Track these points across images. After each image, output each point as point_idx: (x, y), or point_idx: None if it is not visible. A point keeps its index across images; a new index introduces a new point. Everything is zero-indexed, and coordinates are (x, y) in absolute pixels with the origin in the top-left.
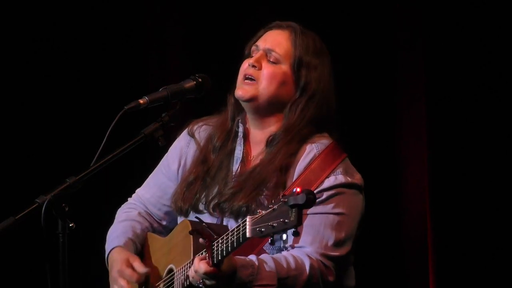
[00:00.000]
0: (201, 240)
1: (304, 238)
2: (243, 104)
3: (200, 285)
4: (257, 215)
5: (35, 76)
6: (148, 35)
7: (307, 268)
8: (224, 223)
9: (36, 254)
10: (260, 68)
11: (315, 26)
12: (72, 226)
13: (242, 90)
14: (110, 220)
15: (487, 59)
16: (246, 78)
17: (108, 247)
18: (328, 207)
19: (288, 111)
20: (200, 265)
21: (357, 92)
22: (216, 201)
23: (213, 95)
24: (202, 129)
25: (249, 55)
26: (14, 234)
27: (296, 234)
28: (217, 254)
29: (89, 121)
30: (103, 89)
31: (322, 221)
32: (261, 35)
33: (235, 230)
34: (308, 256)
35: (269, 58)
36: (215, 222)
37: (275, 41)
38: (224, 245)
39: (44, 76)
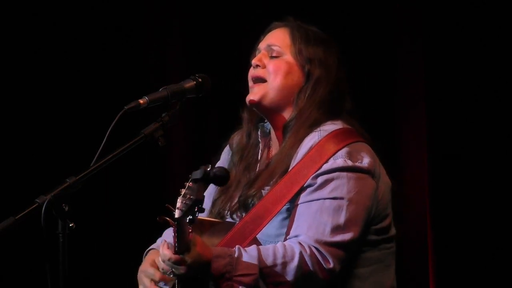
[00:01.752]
0: (172, 229)
1: (300, 226)
2: (257, 109)
3: (170, 275)
4: (181, 194)
5: (35, 76)
6: (148, 35)
7: (296, 256)
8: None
9: (36, 254)
10: (264, 66)
11: (315, 26)
12: (72, 226)
13: (251, 95)
14: (110, 220)
15: (487, 59)
16: (254, 81)
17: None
18: (324, 192)
19: (297, 99)
20: (164, 252)
21: (357, 92)
22: (235, 202)
23: (213, 95)
24: (237, 139)
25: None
26: (14, 234)
27: (202, 211)
28: (177, 241)
29: (89, 121)
30: (103, 89)
31: (318, 207)
32: (261, 40)
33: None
34: (300, 243)
35: (271, 54)
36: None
37: (273, 37)
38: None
39: (44, 76)
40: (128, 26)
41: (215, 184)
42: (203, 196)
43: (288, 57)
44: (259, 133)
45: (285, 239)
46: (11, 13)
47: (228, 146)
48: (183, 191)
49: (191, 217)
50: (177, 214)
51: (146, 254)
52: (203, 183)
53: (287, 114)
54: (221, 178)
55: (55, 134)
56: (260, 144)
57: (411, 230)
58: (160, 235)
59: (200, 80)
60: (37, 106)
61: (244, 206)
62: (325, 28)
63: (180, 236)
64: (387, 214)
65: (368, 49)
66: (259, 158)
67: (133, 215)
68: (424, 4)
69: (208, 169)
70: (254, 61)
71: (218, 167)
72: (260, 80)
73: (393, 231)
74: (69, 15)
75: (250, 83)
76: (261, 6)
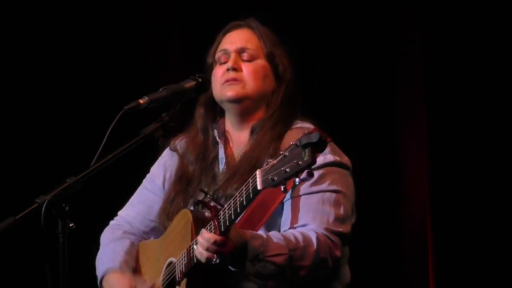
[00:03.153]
0: (207, 213)
1: (305, 216)
2: (230, 106)
3: (212, 261)
4: (267, 165)
5: (35, 76)
6: (148, 35)
7: (314, 241)
8: None
9: (36, 254)
10: (240, 70)
11: (315, 26)
12: (72, 226)
13: (232, 91)
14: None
15: (487, 59)
16: (231, 81)
17: (100, 271)
18: (323, 185)
19: (271, 99)
20: (206, 236)
21: (357, 92)
22: (208, 195)
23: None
24: (183, 142)
25: (215, 63)
26: (14, 234)
27: (311, 175)
28: (225, 221)
29: (89, 121)
30: (103, 89)
31: (320, 199)
32: (221, 41)
33: (244, 188)
34: (314, 231)
35: (243, 58)
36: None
37: (243, 39)
38: (232, 209)
39: (44, 76)
40: (128, 26)
41: (319, 151)
42: (316, 161)
43: (262, 60)
44: (215, 132)
45: (290, 229)
46: (11, 13)
47: (169, 149)
48: (272, 162)
49: (284, 186)
50: (260, 184)
51: (104, 277)
52: (317, 148)
53: (260, 114)
54: (326, 145)
55: (55, 134)
56: (220, 143)
57: (411, 230)
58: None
59: (200, 80)
60: (37, 106)
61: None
62: (325, 28)
63: (238, 214)
64: (354, 211)
65: (368, 49)
66: (222, 155)
67: None
68: (424, 4)
69: (320, 134)
70: (231, 64)
71: (316, 132)
72: (238, 81)
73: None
74: (69, 15)
75: (220, 82)
76: (261, 6)
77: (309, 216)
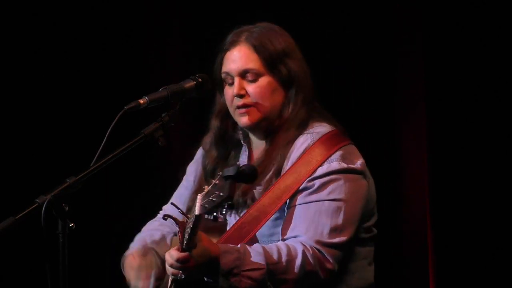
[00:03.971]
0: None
1: (299, 227)
2: (247, 130)
3: (178, 277)
4: (204, 191)
5: (35, 76)
6: (148, 35)
7: (299, 255)
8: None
9: (36, 254)
10: (246, 93)
11: (315, 26)
12: (72, 226)
13: (245, 119)
14: (110, 220)
15: (487, 59)
16: (240, 108)
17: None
18: (322, 195)
19: (283, 108)
20: (172, 253)
21: (357, 92)
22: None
23: (213, 95)
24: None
25: (223, 82)
26: (14, 234)
27: (231, 207)
28: (185, 238)
29: (89, 121)
30: (103, 89)
31: (317, 209)
32: (222, 59)
33: (192, 210)
34: (302, 243)
35: (248, 78)
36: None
37: (242, 58)
38: (191, 228)
39: (44, 76)
40: (128, 26)
41: (245, 182)
42: (235, 194)
43: (265, 76)
44: (240, 135)
45: (282, 239)
46: (11, 13)
47: (201, 148)
48: (206, 188)
49: (215, 214)
50: (198, 210)
51: (125, 258)
52: (236, 180)
53: (275, 122)
54: (252, 176)
55: (55, 134)
56: (245, 146)
57: (411, 230)
58: None
59: (200, 80)
60: (37, 106)
61: (235, 208)
62: (325, 28)
63: (192, 233)
64: (374, 212)
65: (368, 49)
66: (244, 159)
67: (133, 215)
68: (424, 4)
69: (241, 167)
70: (236, 91)
71: (246, 164)
72: (248, 106)
73: (375, 230)
74: (69, 15)
75: (232, 109)
76: (261, 6)
77: (302, 227)
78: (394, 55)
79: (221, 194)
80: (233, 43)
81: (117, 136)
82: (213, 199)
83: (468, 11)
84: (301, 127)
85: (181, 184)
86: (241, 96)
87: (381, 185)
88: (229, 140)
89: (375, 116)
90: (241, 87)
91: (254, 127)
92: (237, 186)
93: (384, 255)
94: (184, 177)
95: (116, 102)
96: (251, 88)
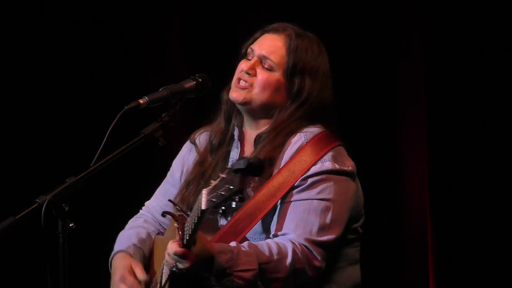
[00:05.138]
0: (175, 224)
1: (288, 224)
2: (237, 105)
3: (174, 269)
4: (211, 186)
5: (35, 76)
6: (148, 36)
7: (290, 253)
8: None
9: (36, 254)
10: (254, 75)
11: (315, 26)
12: (72, 226)
13: (235, 93)
14: (110, 220)
15: (487, 58)
16: (240, 82)
17: (113, 252)
18: (312, 193)
19: (277, 113)
20: (171, 246)
21: (357, 92)
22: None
23: (213, 95)
24: (202, 135)
25: (245, 56)
26: (14, 234)
27: (242, 200)
28: (186, 234)
29: (89, 121)
30: (103, 89)
31: (306, 207)
32: (258, 37)
33: (196, 205)
34: (291, 241)
35: (263, 65)
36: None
37: (270, 47)
38: (193, 224)
39: (44, 76)
40: (128, 25)
41: (253, 175)
42: (245, 187)
43: (279, 74)
44: (236, 131)
45: (274, 236)
46: (11, 13)
47: (188, 142)
48: (213, 182)
49: (224, 208)
50: (204, 205)
51: (113, 257)
52: (247, 173)
53: (264, 123)
54: (261, 169)
55: (55, 134)
56: (238, 143)
57: (411, 230)
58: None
59: (200, 80)
60: (37, 106)
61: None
62: (325, 28)
63: (195, 228)
64: (362, 214)
65: (368, 49)
66: (234, 156)
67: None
68: (424, 3)
69: (250, 159)
70: (246, 69)
71: (254, 157)
72: (246, 84)
73: (361, 230)
74: (69, 15)
75: (235, 78)
76: (261, 6)
77: (292, 224)
78: (394, 54)
79: (231, 187)
80: (275, 31)
81: (117, 136)
82: (222, 193)
83: (468, 10)
84: (290, 134)
85: (165, 180)
86: (248, 74)
87: (381, 185)
88: (231, 124)
89: (375, 116)
90: (253, 67)
91: (241, 104)
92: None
93: (384, 254)
94: (169, 173)
95: (116, 102)
96: (261, 73)
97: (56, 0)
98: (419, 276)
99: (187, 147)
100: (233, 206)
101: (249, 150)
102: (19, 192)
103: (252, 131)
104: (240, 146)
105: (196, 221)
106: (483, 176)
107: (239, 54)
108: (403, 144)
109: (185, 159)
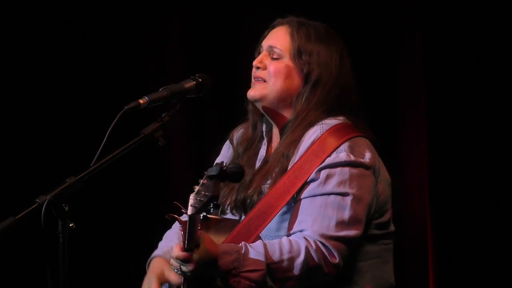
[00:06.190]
0: (179, 227)
1: (305, 220)
2: (257, 105)
3: (178, 272)
4: (194, 191)
5: (35, 76)
6: (148, 35)
7: (302, 251)
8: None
9: (36, 254)
10: (264, 68)
11: (319, 21)
12: (72, 226)
13: (251, 91)
14: (110, 220)
15: (488, 58)
16: (256, 80)
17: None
18: (328, 187)
19: (295, 102)
20: (174, 250)
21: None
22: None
23: (213, 95)
24: (240, 133)
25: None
26: (14, 234)
27: (216, 207)
28: (186, 238)
29: (89, 121)
30: (103, 89)
31: (323, 202)
32: (265, 36)
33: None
34: (305, 238)
35: (272, 55)
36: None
37: (275, 37)
38: (192, 228)
39: (44, 76)
40: (127, 26)
41: (230, 181)
42: (219, 193)
43: (287, 59)
44: (264, 127)
45: (288, 234)
46: (11, 13)
47: (228, 140)
48: (196, 188)
49: (205, 213)
50: (189, 211)
51: (149, 263)
52: (219, 179)
53: (286, 114)
54: (237, 175)
55: (55, 134)
56: (265, 139)
57: (411, 230)
58: (161, 236)
59: (200, 80)
60: (37, 106)
61: (243, 205)
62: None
63: (190, 233)
64: (387, 209)
65: (368, 48)
66: (262, 153)
67: (133, 215)
68: (424, 3)
69: (224, 166)
70: (255, 63)
71: (233, 163)
72: (261, 80)
73: (392, 227)
74: (69, 15)
75: (252, 80)
76: (261, 6)
77: (308, 220)
78: (394, 54)
79: (207, 193)
80: (279, 24)
81: (117, 136)
82: (201, 199)
83: (468, 9)
84: (309, 126)
85: None
86: (258, 68)
87: None
88: (258, 126)
89: (375, 115)
90: (261, 60)
91: (256, 102)
92: (221, 185)
93: None
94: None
95: (116, 102)
96: (270, 64)
97: (56, 0)
98: (419, 276)
99: (226, 145)
100: (211, 212)
101: (276, 144)
102: (19, 192)
103: (276, 124)
104: (268, 141)
105: (188, 227)
106: (483, 176)
107: (242, 55)
108: (403, 144)
109: (223, 157)
